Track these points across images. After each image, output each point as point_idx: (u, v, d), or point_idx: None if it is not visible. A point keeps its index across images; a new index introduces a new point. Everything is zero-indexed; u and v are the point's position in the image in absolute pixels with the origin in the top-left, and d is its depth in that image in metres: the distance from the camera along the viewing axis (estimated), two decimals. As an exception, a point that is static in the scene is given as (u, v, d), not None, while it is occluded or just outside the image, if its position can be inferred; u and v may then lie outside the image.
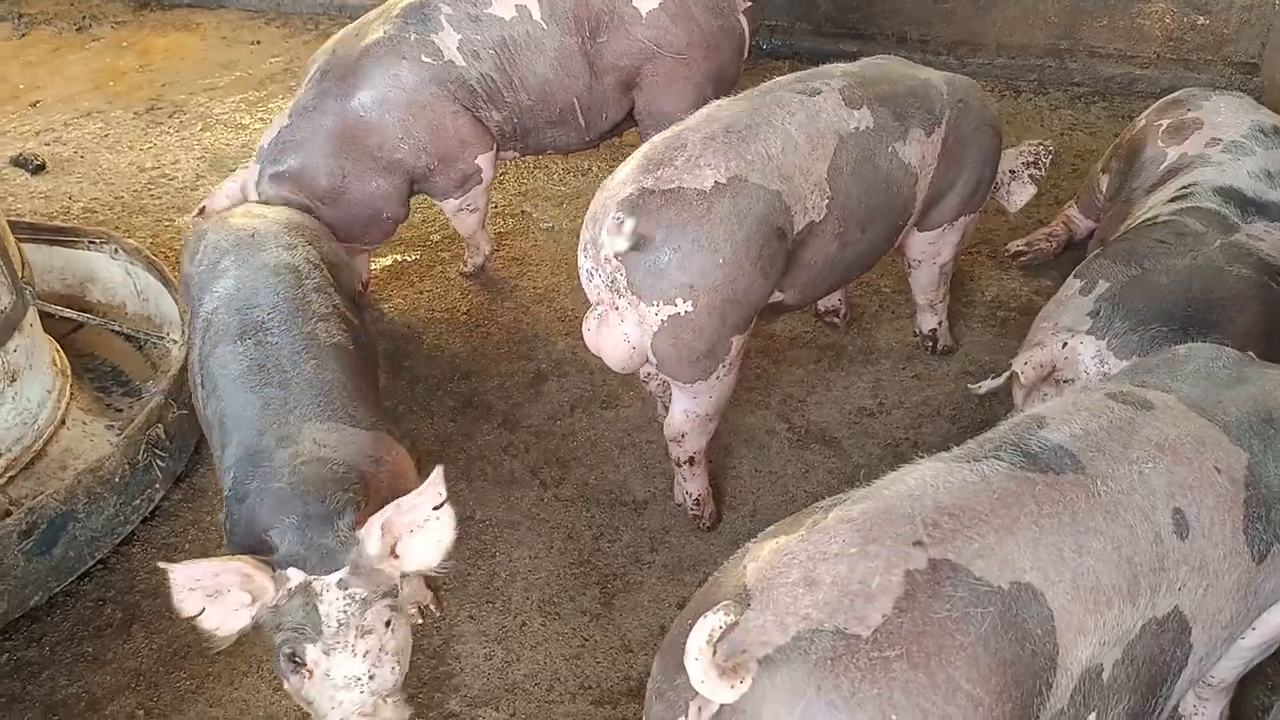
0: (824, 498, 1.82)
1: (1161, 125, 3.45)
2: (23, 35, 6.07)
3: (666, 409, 2.93)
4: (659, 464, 3.17)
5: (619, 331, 2.59)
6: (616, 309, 2.58)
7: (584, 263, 2.65)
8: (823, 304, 3.61)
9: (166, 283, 3.44)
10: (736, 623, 1.54)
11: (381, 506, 2.01)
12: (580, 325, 3.60)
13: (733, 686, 1.49)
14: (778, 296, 2.77)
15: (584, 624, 2.77)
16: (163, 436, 3.02)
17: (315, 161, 3.27)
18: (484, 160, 3.49)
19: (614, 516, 3.05)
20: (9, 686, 2.65)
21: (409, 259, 4.05)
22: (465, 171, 3.48)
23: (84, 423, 3.18)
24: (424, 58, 3.29)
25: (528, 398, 3.44)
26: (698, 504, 2.97)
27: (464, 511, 3.05)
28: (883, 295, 3.77)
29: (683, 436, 2.81)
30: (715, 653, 1.49)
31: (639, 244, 2.45)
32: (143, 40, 5.92)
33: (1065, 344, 2.55)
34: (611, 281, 2.56)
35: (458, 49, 3.31)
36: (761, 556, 1.67)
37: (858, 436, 3.24)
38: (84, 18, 6.17)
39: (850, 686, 1.51)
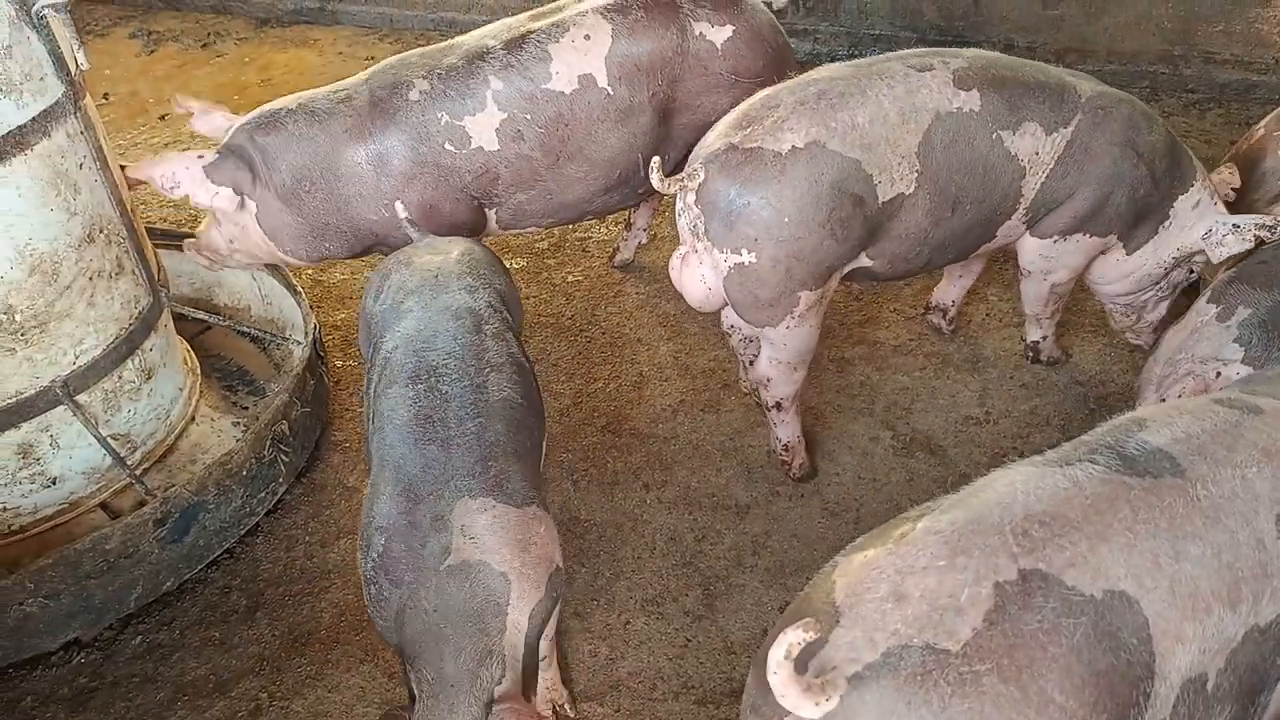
0: (930, 506, 1.82)
1: (1282, 137, 3.36)
2: (151, 52, 6.38)
3: (746, 369, 3.28)
4: (761, 469, 3.21)
5: (697, 273, 2.83)
6: (696, 252, 2.80)
7: (677, 203, 2.83)
8: (934, 297, 3.62)
9: (289, 286, 3.59)
10: (820, 638, 1.54)
11: (529, 593, 2.15)
12: (682, 331, 3.70)
13: (817, 704, 1.49)
14: (865, 262, 2.87)
15: (687, 624, 2.81)
16: (286, 433, 3.16)
17: (292, 159, 3.10)
18: None
19: (716, 519, 3.09)
20: (142, 667, 2.81)
21: (516, 265, 4.15)
22: None
23: (212, 419, 3.34)
24: (447, 145, 3.10)
25: (630, 401, 3.51)
26: (787, 450, 3.14)
27: (569, 512, 3.13)
28: (989, 303, 3.74)
29: (768, 381, 3.01)
30: (796, 668, 1.49)
31: (712, 197, 2.69)
32: (264, 56, 6.17)
33: (1219, 374, 2.50)
34: (693, 226, 2.78)
35: (496, 130, 3.11)
36: (850, 571, 1.67)
37: (963, 445, 3.22)
38: (208, 34, 6.45)
39: (941, 702, 1.50)
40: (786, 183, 2.65)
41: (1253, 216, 2.94)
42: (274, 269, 3.62)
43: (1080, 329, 3.60)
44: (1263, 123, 3.57)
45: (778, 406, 3.06)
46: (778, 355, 2.94)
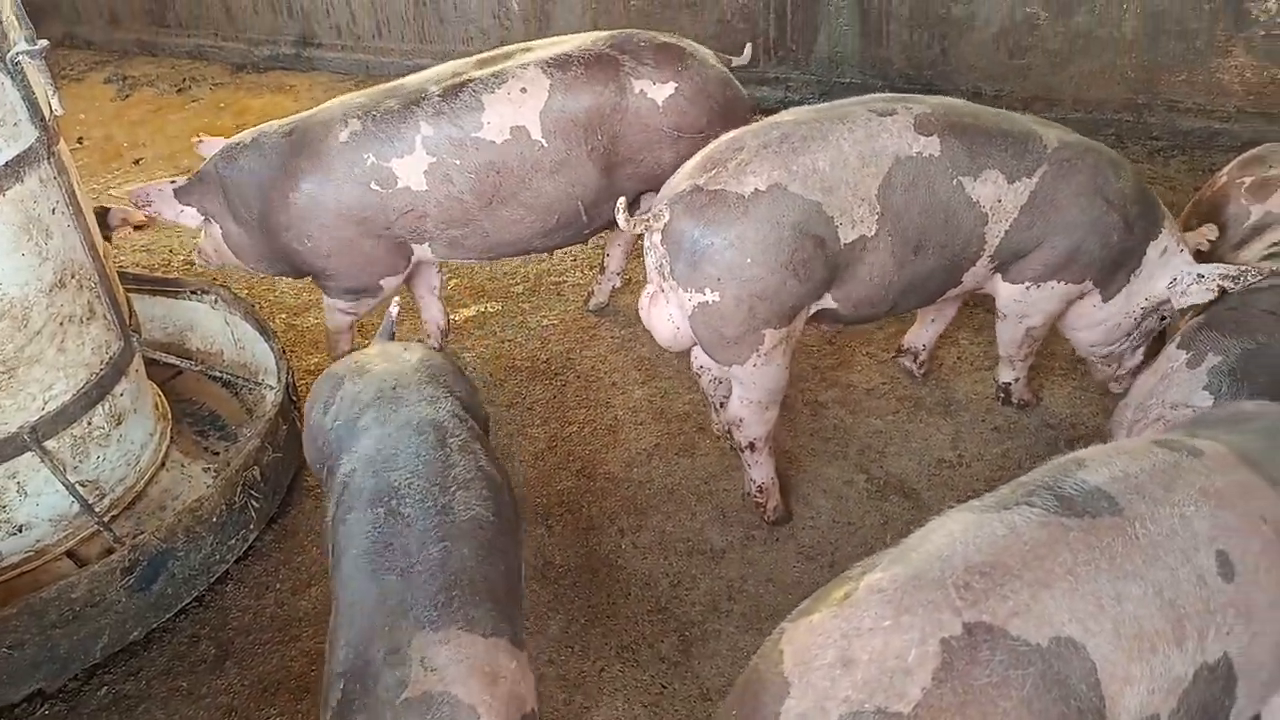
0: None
1: (1244, 182, 3.42)
2: (126, 97, 6.39)
3: (717, 411, 3.32)
4: (736, 512, 3.20)
5: (665, 311, 2.89)
6: (663, 291, 2.86)
7: (645, 243, 2.87)
8: (906, 341, 3.66)
9: (263, 330, 3.58)
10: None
11: None
12: (657, 375, 3.71)
13: None
14: (830, 304, 2.90)
15: (662, 671, 2.79)
16: (258, 479, 3.13)
17: (242, 188, 3.31)
18: (388, 282, 3.47)
19: (691, 564, 3.08)
20: (108, 719, 2.75)
21: (492, 309, 4.16)
22: (364, 287, 3.46)
23: (183, 465, 3.31)
24: (373, 185, 3.20)
25: (605, 444, 3.50)
26: (761, 492, 3.14)
27: (543, 557, 3.12)
28: (960, 347, 3.78)
29: (741, 421, 3.02)
30: None
31: (676, 237, 2.74)
32: (239, 101, 6.20)
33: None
34: (659, 265, 2.83)
35: (425, 172, 3.20)
36: (796, 638, 1.67)
37: (937, 488, 3.24)
38: (184, 80, 6.48)
39: None
40: (749, 224, 2.69)
41: (1217, 266, 2.99)
42: (248, 313, 3.63)
43: (1051, 372, 3.63)
44: (1225, 170, 3.64)
45: (751, 447, 3.08)
46: (748, 395, 2.96)
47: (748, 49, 3.58)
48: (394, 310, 2.93)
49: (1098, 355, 3.36)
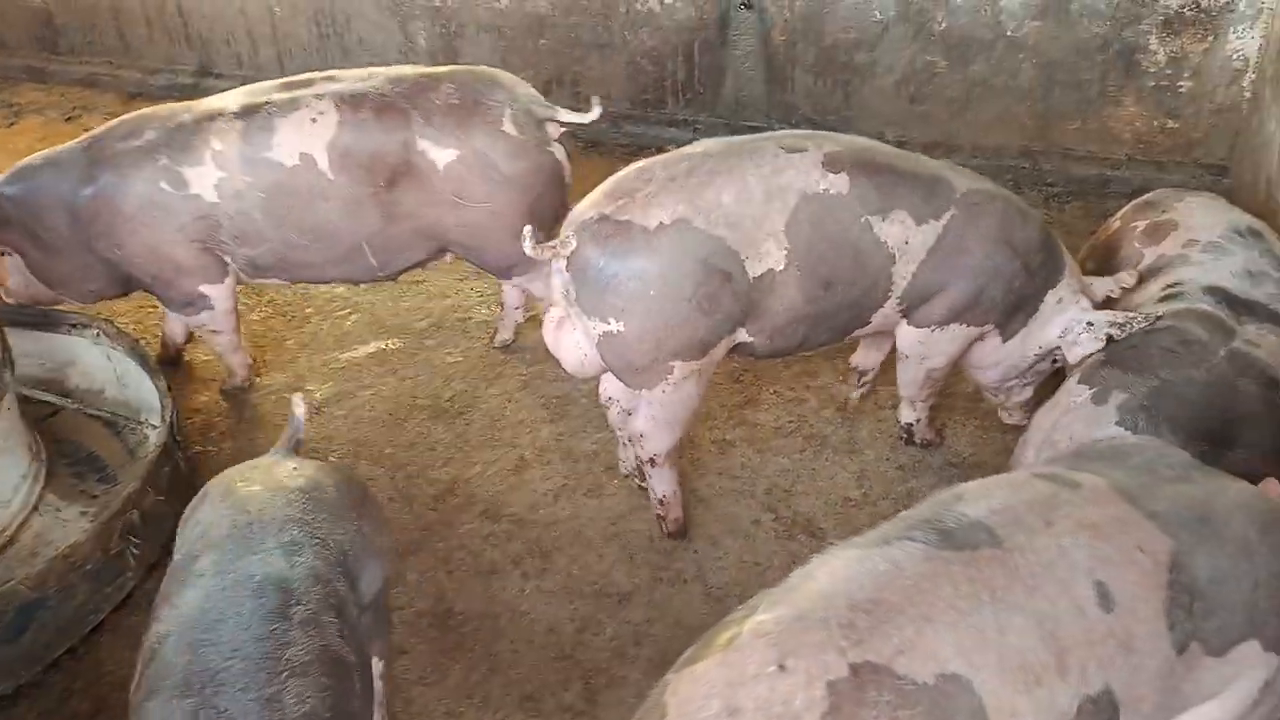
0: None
1: (1138, 227, 3.52)
2: (11, 124, 6.13)
3: (624, 447, 3.30)
4: (644, 553, 3.14)
5: (571, 338, 2.88)
6: (570, 317, 2.85)
7: (552, 268, 2.84)
8: (856, 358, 3.59)
9: (147, 367, 3.42)
10: None
11: None
12: (565, 414, 3.64)
13: None
14: (745, 337, 2.90)
15: (566, 720, 2.70)
16: (137, 523, 2.97)
17: (41, 208, 3.32)
18: (212, 290, 3.44)
19: (598, 608, 3.00)
20: (-34, 784, 2.55)
21: (392, 346, 4.05)
22: (187, 296, 3.45)
23: (58, 509, 3.13)
24: (163, 184, 3.25)
25: (510, 485, 3.41)
26: (662, 504, 3.12)
27: (444, 604, 3.00)
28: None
29: (643, 436, 2.98)
30: None
31: (582, 265, 2.72)
32: (132, 130, 5.99)
33: None
34: (566, 291, 2.81)
35: (214, 185, 3.26)
36: (680, 690, 1.62)
37: (843, 527, 3.22)
38: (74, 108, 6.23)
39: None
40: (653, 258, 2.69)
41: (1105, 314, 3.04)
42: (132, 348, 3.46)
43: (953, 411, 3.67)
44: (1118, 215, 3.75)
45: (652, 461, 3.04)
46: (655, 414, 2.93)
47: (596, 105, 3.38)
48: (299, 411, 2.53)
49: (989, 388, 3.40)
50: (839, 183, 2.84)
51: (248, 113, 3.27)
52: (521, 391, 3.80)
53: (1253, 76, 4.65)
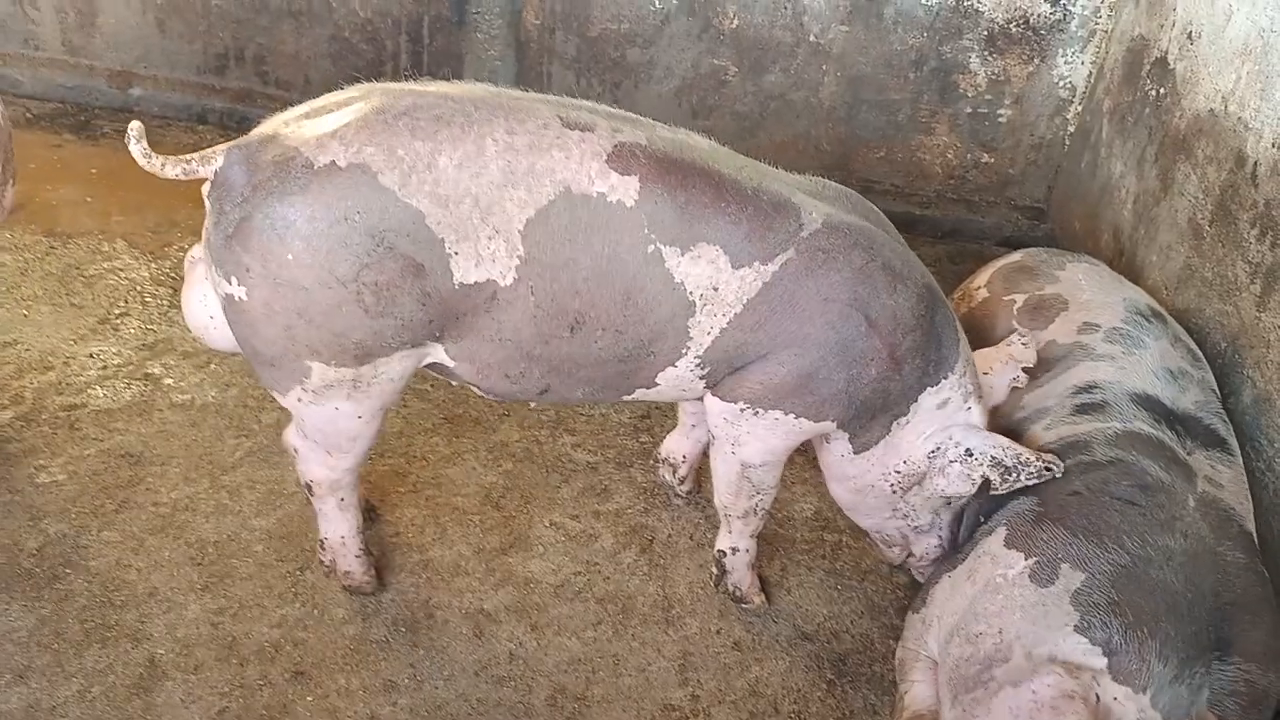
0: None
1: (1015, 302, 2.75)
2: None
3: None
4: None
5: (200, 289, 2.05)
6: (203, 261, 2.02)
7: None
8: (664, 447, 2.74)
9: None
10: None
11: None
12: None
13: None
14: (444, 359, 2.05)
15: None
16: None
17: None
18: None
19: None
20: None
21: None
22: None
23: None
24: None
25: (129, 704, 2.07)
26: (324, 548, 2.35)
27: None
28: (674, 509, 2.73)
29: (296, 451, 2.22)
30: None
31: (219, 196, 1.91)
32: None
33: (1097, 698, 1.64)
34: (205, 225, 1.95)
35: None
36: None
37: (668, 758, 2.15)
38: None
39: None
40: (304, 208, 1.82)
41: (992, 443, 2.17)
42: None
43: (790, 549, 2.68)
44: (982, 281, 2.96)
45: (309, 489, 2.24)
46: (304, 429, 2.14)
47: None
48: None
49: (868, 528, 2.47)
50: (625, 188, 1.90)
51: None
52: (154, 535, 2.44)
53: (1078, 108, 4.05)
